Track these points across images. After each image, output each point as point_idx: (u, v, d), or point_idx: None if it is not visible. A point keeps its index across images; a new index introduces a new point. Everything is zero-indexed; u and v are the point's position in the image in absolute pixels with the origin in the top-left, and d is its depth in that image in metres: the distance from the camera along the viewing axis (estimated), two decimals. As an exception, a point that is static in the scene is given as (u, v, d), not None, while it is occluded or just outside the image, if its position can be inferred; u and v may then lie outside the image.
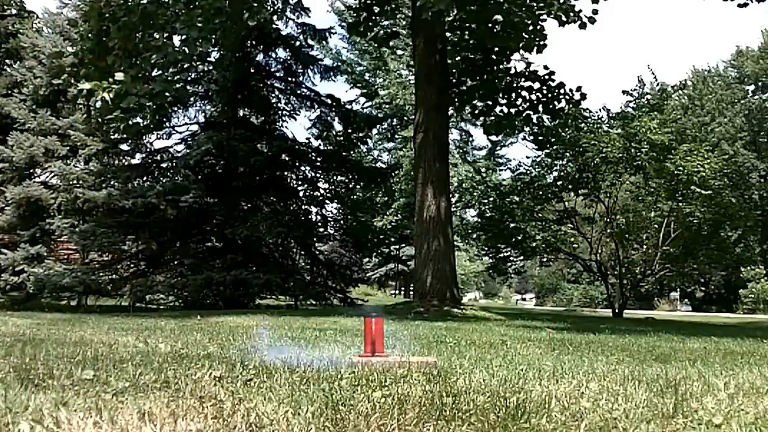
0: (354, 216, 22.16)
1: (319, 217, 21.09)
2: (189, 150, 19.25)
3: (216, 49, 16.70)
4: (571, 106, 16.40)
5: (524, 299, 64.67)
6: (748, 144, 36.29)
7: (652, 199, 20.13)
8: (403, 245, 32.59)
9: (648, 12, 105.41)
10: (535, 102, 16.08)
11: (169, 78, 11.97)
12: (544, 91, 15.97)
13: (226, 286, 16.20)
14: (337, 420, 2.10)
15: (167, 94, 11.95)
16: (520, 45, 14.36)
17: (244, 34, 16.17)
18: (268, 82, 20.34)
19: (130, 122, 12.27)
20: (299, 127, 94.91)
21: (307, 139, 21.58)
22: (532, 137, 20.13)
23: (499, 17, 13.21)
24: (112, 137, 17.10)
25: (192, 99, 19.20)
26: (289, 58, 20.23)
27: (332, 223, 22.11)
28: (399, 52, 30.06)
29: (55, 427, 1.93)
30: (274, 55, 20.25)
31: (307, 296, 19.31)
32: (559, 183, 20.65)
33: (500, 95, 16.04)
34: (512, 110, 16.10)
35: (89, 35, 12.17)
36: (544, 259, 23.96)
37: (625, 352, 5.26)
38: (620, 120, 19.94)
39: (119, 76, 11.03)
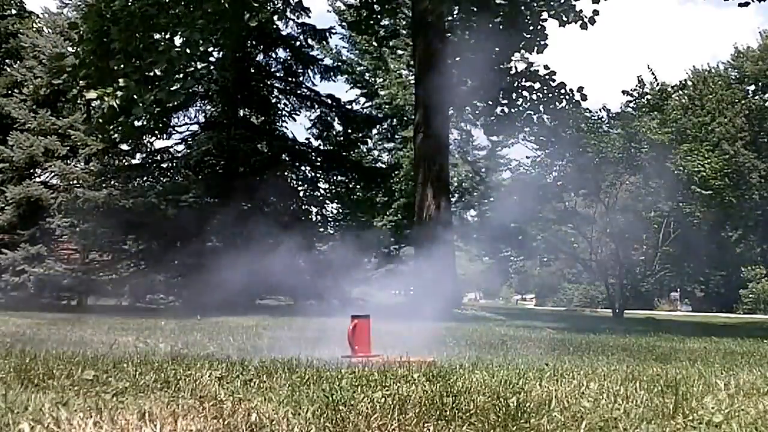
0: (354, 216, 22.13)
1: (319, 217, 21.06)
2: (189, 150, 19.20)
3: (216, 49, 16.71)
4: (571, 106, 16.41)
5: (524, 299, 64.58)
6: (749, 144, 36.27)
7: (652, 199, 20.13)
8: (403, 245, 32.54)
9: (648, 12, 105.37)
10: (536, 102, 16.10)
11: (172, 85, 12.00)
12: (545, 91, 15.98)
13: (226, 286, 16.15)
14: (337, 420, 2.09)
15: (171, 104, 12.01)
16: (521, 45, 14.40)
17: (245, 34, 16.17)
18: (268, 82, 20.31)
19: (133, 124, 12.32)
20: (299, 127, 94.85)
21: (307, 139, 21.57)
22: (532, 137, 20.14)
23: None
24: (113, 137, 17.10)
25: (192, 99, 19.18)
26: (289, 58, 20.19)
27: (332, 223, 22.06)
28: (399, 52, 30.01)
29: (55, 427, 1.93)
30: (274, 55, 20.21)
31: (307, 296, 19.28)
32: (559, 183, 20.66)
33: (501, 95, 16.05)
34: (513, 110, 16.11)
35: (89, 36, 12.18)
36: (544, 259, 23.93)
37: (626, 352, 5.26)
38: (620, 120, 19.94)
39: (122, 82, 11.08)
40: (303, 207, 20.57)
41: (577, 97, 16.17)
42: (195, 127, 19.73)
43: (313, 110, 21.00)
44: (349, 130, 21.22)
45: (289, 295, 19.80)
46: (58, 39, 18.29)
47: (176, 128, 19.41)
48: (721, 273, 36.56)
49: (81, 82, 11.80)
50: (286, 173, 20.34)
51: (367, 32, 17.27)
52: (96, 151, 17.49)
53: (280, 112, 20.61)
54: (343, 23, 28.31)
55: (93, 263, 18.20)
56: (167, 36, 12.37)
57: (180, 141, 19.58)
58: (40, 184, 17.77)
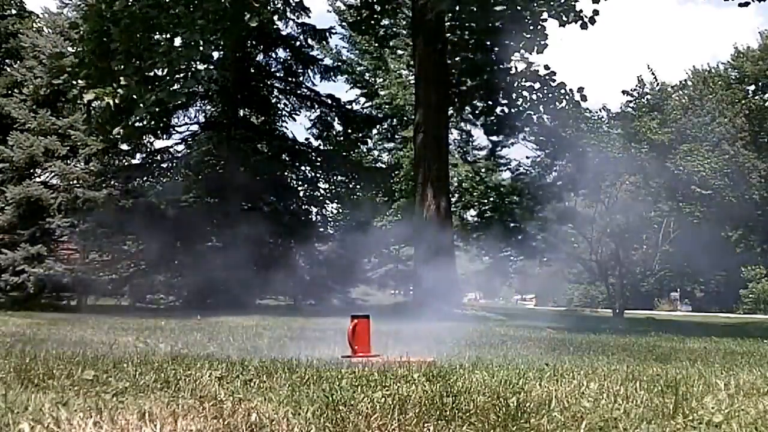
0: (354, 216, 22.14)
1: (319, 217, 21.07)
2: (189, 150, 19.19)
3: (217, 49, 16.72)
4: (571, 106, 16.40)
5: (524, 299, 64.56)
6: (749, 144, 36.25)
7: (652, 199, 20.16)
8: (403, 245, 32.55)
9: (648, 12, 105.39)
10: (536, 102, 16.09)
11: (173, 85, 12.01)
12: (545, 92, 15.98)
13: (226, 286, 16.17)
14: (337, 420, 2.09)
15: (171, 104, 12.03)
16: (521, 45, 14.40)
17: (245, 34, 16.19)
18: (268, 82, 20.31)
19: (134, 125, 12.34)
20: (299, 127, 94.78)
21: (307, 139, 21.57)
22: (532, 137, 20.16)
23: (499, 9, 13.23)
24: (113, 137, 17.10)
25: (192, 99, 19.19)
26: (289, 58, 20.20)
27: (332, 223, 22.06)
28: (399, 52, 29.97)
29: (55, 427, 1.93)
30: (274, 55, 20.21)
31: (307, 296, 19.27)
32: (559, 183, 20.68)
33: (500, 95, 16.05)
34: (513, 110, 16.11)
35: (89, 36, 12.17)
36: (544, 259, 23.96)
37: (626, 351, 5.26)
38: (620, 120, 19.96)
39: (123, 81, 11.09)
40: (303, 207, 20.58)
41: (577, 97, 16.16)
42: (195, 127, 19.74)
43: (313, 110, 21.00)
44: (349, 130, 21.22)
45: (289, 295, 19.79)
46: (58, 39, 18.27)
47: (176, 128, 19.42)
48: (721, 273, 36.57)
49: (81, 82, 11.79)
50: (286, 173, 20.34)
51: (367, 32, 17.29)
52: (96, 151, 17.48)
53: (280, 112, 20.61)
54: (343, 23, 28.28)
55: (93, 263, 18.18)
56: (167, 36, 12.37)
57: (180, 141, 19.59)
58: (40, 184, 17.74)
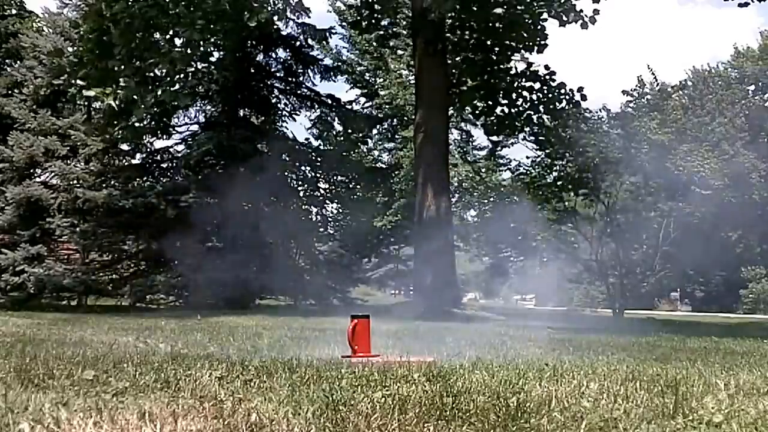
0: (354, 216, 22.15)
1: (319, 217, 21.07)
2: (189, 150, 19.19)
3: (217, 49, 16.73)
4: (571, 106, 16.42)
5: (524, 299, 64.49)
6: (749, 144, 36.23)
7: (652, 199, 20.15)
8: (403, 245, 32.57)
9: (648, 12, 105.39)
10: (536, 102, 16.11)
11: (174, 85, 12.04)
12: (545, 92, 15.99)
13: (226, 286, 16.17)
14: (337, 420, 2.09)
15: (173, 103, 12.05)
16: (521, 45, 14.42)
17: (245, 34, 16.20)
18: (268, 82, 20.31)
19: (134, 126, 12.37)
20: (299, 127, 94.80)
21: (307, 139, 21.58)
22: (532, 137, 20.15)
23: (500, 10, 13.25)
24: (113, 137, 17.12)
25: (192, 99, 19.19)
26: (289, 58, 20.20)
27: (332, 223, 22.05)
28: (399, 52, 29.97)
29: (55, 427, 1.93)
30: (274, 55, 20.22)
31: (307, 296, 19.27)
32: (559, 183, 20.67)
33: (501, 95, 16.06)
34: (513, 110, 16.12)
35: (90, 36, 12.19)
36: (544, 259, 23.98)
37: (626, 351, 5.26)
38: (620, 120, 19.97)
39: (122, 82, 11.13)
40: (303, 207, 20.58)
41: (577, 97, 16.18)
42: (195, 127, 19.75)
43: (313, 110, 21.02)
44: (349, 130, 21.22)
45: (289, 295, 19.79)
46: (58, 39, 18.27)
47: (176, 128, 19.44)
48: (721, 273, 36.59)
49: (81, 81, 11.82)
50: (286, 173, 20.34)
51: (367, 32, 17.32)
52: (96, 151, 17.48)
53: (280, 112, 20.62)
54: (343, 23, 28.29)
55: (93, 263, 18.19)
56: (168, 36, 12.40)
57: (180, 141, 19.60)
58: (40, 184, 17.74)
